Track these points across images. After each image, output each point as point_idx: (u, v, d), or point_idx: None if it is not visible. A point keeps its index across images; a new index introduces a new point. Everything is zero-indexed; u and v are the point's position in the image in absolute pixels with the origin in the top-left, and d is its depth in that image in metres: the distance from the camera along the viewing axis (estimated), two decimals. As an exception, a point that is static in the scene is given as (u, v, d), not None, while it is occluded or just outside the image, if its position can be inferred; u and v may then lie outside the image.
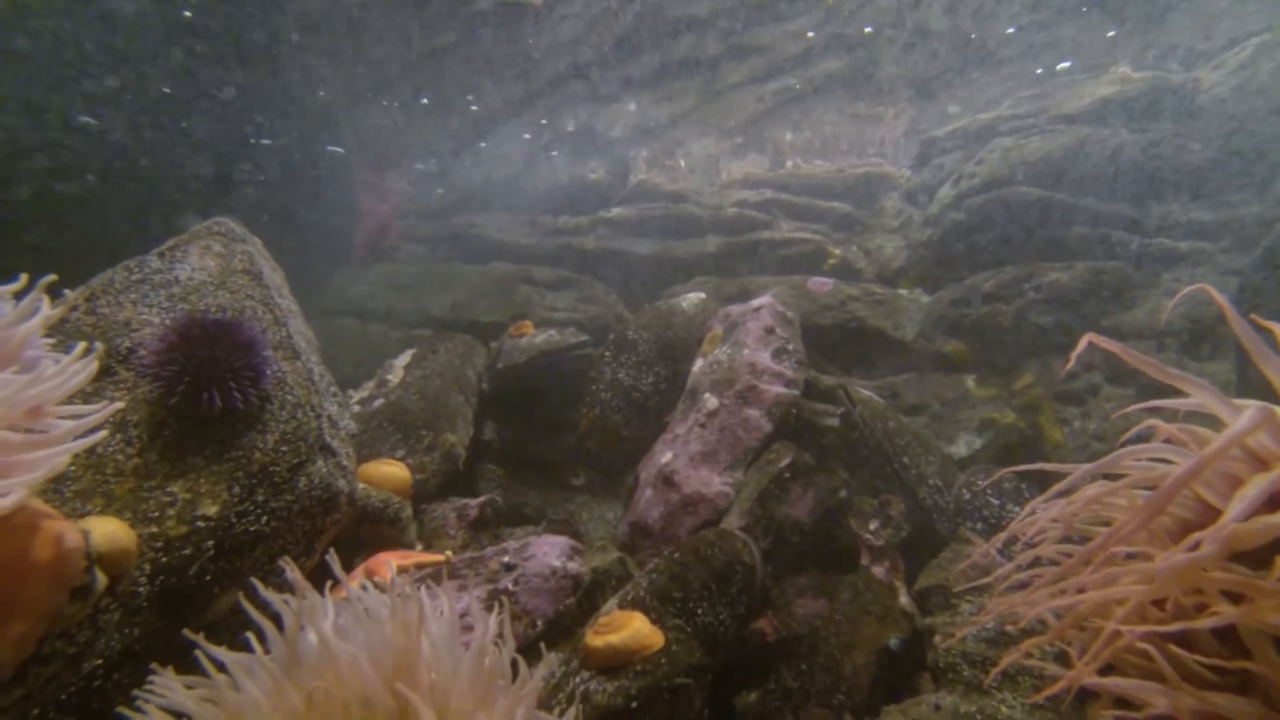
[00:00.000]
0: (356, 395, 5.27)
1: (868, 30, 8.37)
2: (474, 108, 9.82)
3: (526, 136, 10.85)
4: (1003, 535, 2.30)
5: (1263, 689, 1.72)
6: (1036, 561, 2.50)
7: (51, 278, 1.88)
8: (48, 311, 1.81)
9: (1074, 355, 2.16)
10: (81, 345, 1.83)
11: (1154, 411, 2.35)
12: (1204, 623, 1.69)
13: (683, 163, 12.13)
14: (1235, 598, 1.75)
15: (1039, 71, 8.66)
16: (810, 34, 8.42)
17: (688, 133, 11.49)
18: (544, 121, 10.51)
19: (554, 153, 11.16)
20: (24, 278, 1.85)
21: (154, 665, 1.87)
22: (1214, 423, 2.11)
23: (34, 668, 1.60)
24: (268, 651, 2.05)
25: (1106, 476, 2.21)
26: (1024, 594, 2.22)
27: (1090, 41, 8.01)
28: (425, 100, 9.62)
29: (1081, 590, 1.99)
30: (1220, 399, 2.03)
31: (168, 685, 1.87)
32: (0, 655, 1.48)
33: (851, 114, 10.71)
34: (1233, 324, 2.00)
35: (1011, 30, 7.87)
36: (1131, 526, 1.83)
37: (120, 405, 1.84)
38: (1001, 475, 4.05)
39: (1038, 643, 2.06)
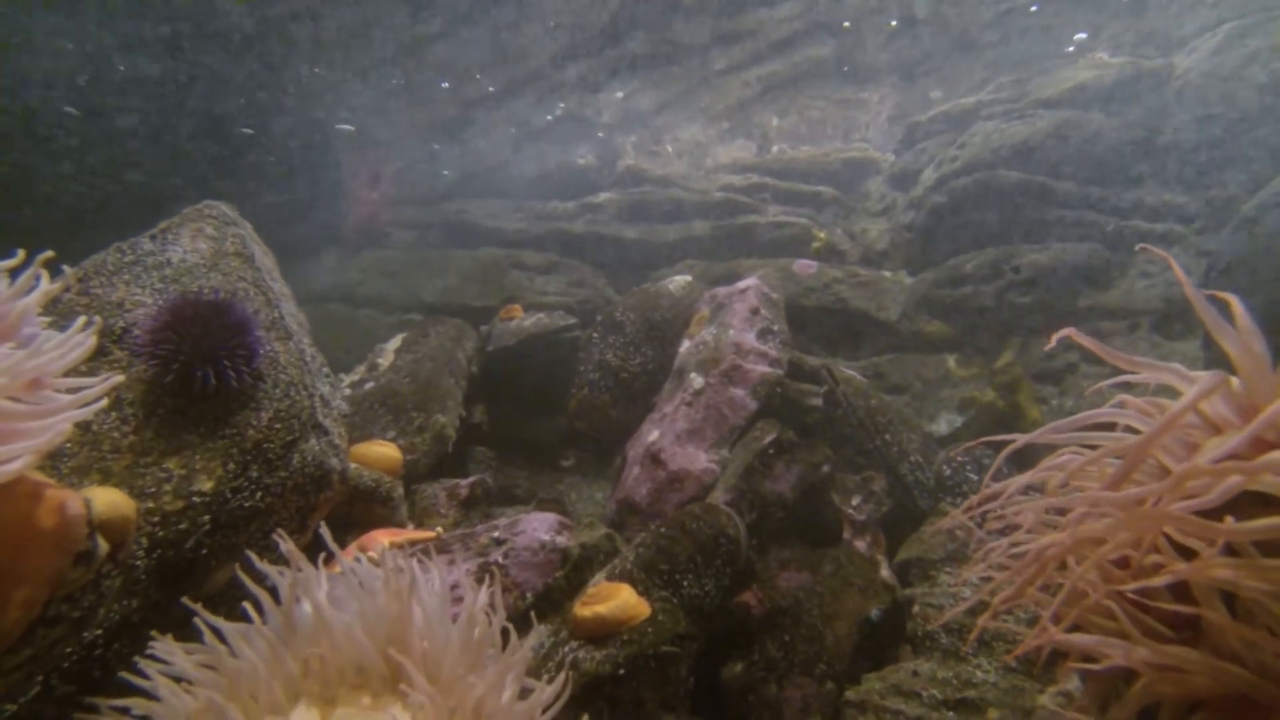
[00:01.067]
0: (348, 379, 5.33)
1: (892, 24, 8.39)
2: (490, 89, 9.74)
3: (554, 113, 10.73)
4: (975, 499, 2.38)
5: (1211, 640, 1.81)
6: (1010, 529, 2.59)
7: (49, 254, 1.92)
8: (47, 287, 1.86)
9: (1054, 340, 2.26)
10: (81, 320, 1.88)
11: (1126, 387, 2.45)
12: (1161, 579, 1.78)
13: (670, 149, 12.15)
14: (1188, 557, 1.84)
15: (1075, 41, 8.49)
16: (845, 24, 8.40)
17: (675, 118, 11.51)
18: (561, 105, 10.45)
19: (600, 134, 11.08)
20: (21, 253, 1.89)
21: (153, 634, 1.94)
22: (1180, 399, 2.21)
23: (41, 629, 1.66)
24: (265, 622, 2.12)
25: (1085, 446, 2.31)
26: (1002, 562, 2.32)
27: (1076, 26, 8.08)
28: (445, 84, 9.58)
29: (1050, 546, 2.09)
30: (1183, 376, 2.12)
31: (168, 651, 1.94)
32: (8, 617, 1.54)
33: (837, 99, 10.76)
34: (1191, 298, 2.08)
35: (1034, 9, 7.88)
36: (1103, 488, 1.92)
37: (120, 378, 1.89)
38: (974, 447, 4.17)
39: (1006, 598, 2.14)
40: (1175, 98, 5.65)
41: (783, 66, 9.69)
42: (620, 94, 10.54)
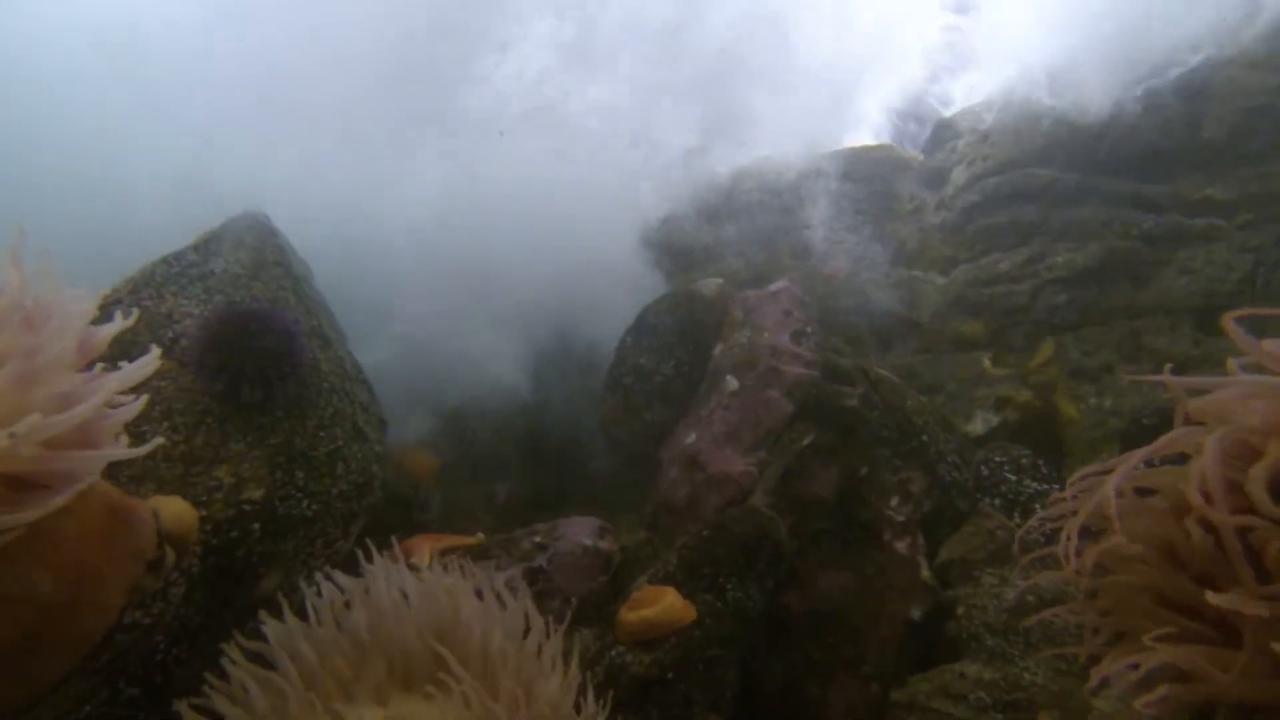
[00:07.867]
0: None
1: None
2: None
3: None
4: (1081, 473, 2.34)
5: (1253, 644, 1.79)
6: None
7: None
8: (122, 323, 1.87)
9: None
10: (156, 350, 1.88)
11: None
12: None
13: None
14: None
15: None
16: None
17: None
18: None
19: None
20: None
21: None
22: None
23: (119, 635, 1.70)
24: (319, 622, 2.15)
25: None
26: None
27: None
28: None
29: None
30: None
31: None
32: (92, 621, 1.58)
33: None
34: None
35: None
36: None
37: (158, 363, 1.89)
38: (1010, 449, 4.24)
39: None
40: (1215, 87, 5.55)
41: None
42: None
